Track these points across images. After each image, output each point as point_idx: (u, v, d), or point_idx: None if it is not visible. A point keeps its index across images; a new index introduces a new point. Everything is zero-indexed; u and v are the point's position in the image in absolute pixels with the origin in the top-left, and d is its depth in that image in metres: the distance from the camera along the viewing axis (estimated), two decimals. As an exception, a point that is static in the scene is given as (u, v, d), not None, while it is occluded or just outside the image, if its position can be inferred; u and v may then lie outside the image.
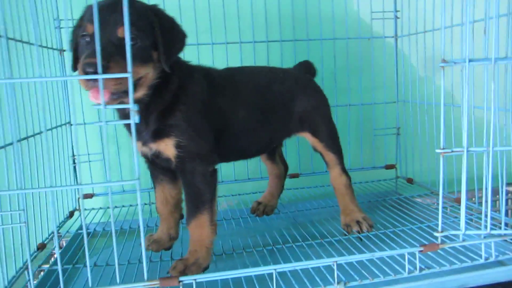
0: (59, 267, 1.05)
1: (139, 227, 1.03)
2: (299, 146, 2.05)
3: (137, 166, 1.01)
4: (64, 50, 1.83)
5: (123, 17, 1.00)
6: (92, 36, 1.07)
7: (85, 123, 1.89)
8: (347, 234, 1.54)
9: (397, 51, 2.09)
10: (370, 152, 2.16)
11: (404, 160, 2.11)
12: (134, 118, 0.99)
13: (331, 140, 1.64)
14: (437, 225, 1.16)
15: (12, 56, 1.42)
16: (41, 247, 1.45)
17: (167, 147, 1.28)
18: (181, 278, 1.07)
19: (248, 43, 1.97)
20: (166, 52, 1.20)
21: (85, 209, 1.93)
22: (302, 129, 1.62)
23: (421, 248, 1.17)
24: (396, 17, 2.05)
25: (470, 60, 1.10)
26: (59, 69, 1.82)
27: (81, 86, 1.09)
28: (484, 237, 1.20)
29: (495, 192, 1.57)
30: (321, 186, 2.14)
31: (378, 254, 1.17)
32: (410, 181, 2.08)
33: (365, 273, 1.20)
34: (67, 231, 1.77)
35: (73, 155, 1.89)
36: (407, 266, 1.20)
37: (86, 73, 1.01)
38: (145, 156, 1.36)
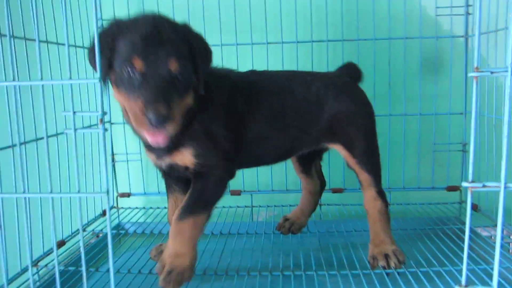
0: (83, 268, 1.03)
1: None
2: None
3: (106, 179, 0.95)
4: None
5: (172, 48, 1.06)
6: (143, 74, 1.05)
7: (124, 123, 1.91)
8: (371, 268, 1.34)
9: (467, 53, 1.77)
10: (429, 170, 1.87)
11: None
12: (102, 127, 0.93)
13: (367, 156, 1.42)
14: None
15: (44, 57, 1.48)
16: (60, 244, 1.49)
17: (184, 158, 1.23)
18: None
19: (290, 43, 1.83)
20: (203, 76, 1.17)
21: (122, 208, 1.96)
22: (332, 140, 1.43)
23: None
24: (468, 13, 1.73)
25: (513, 70, 0.85)
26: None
27: (135, 125, 1.06)
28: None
29: None
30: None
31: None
32: (475, 207, 1.76)
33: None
34: (101, 230, 1.80)
35: (112, 154, 1.93)
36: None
37: (149, 120, 1.00)
38: (159, 167, 1.32)
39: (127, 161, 1.92)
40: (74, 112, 0.94)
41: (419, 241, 1.58)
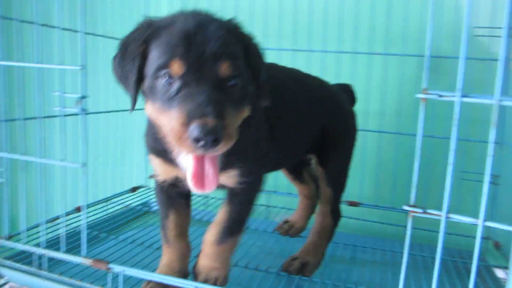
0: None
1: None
2: (364, 171, 1.81)
3: (82, 151, 1.09)
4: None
5: (222, 47, 0.84)
6: (184, 77, 0.84)
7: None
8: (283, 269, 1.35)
9: (506, 77, 1.61)
10: (455, 199, 1.73)
11: (499, 217, 1.63)
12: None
13: (338, 175, 1.45)
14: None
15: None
16: (78, 209, 1.68)
17: (229, 179, 1.07)
18: (110, 265, 1.11)
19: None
20: (265, 82, 0.99)
21: (150, 188, 2.13)
22: (313, 151, 1.44)
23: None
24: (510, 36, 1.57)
25: (464, 95, 0.80)
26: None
27: (175, 146, 0.85)
28: None
29: None
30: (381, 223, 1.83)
31: None
32: (497, 245, 1.60)
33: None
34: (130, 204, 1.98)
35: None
36: None
37: (196, 139, 0.78)
38: (169, 179, 1.11)
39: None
40: (64, 93, 1.10)
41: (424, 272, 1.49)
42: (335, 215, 1.45)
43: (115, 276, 1.15)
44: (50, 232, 1.45)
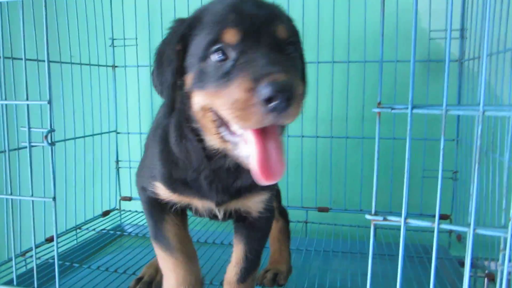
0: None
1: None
2: (332, 177, 1.86)
3: (53, 187, 1.08)
4: (116, 66, 2.05)
5: (277, 11, 0.80)
6: (240, 46, 0.76)
7: (129, 133, 2.07)
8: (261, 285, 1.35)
9: (461, 78, 1.71)
10: (418, 197, 1.82)
11: (461, 211, 1.72)
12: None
13: None
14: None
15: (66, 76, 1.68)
16: (49, 239, 1.65)
17: (256, 204, 1.02)
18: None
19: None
20: (306, 73, 0.95)
21: (123, 210, 2.11)
22: None
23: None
24: (462, 37, 1.68)
25: (414, 107, 0.86)
26: (112, 84, 2.05)
27: (236, 123, 0.75)
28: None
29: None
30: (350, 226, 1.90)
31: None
32: (459, 238, 1.69)
33: None
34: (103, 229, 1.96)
35: (117, 161, 2.10)
36: None
37: (268, 99, 0.68)
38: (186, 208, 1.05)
39: (130, 168, 2.08)
40: (29, 128, 1.09)
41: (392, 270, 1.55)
42: (283, 214, 1.46)
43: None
44: (22, 267, 1.43)
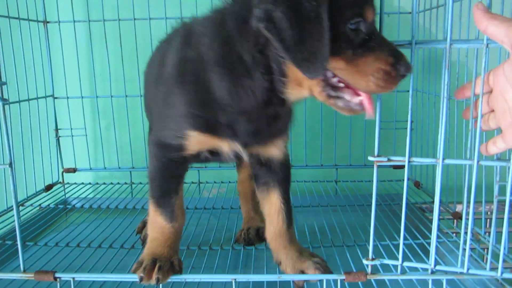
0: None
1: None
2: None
3: (9, 151, 0.93)
4: (48, 22, 1.81)
5: None
6: (371, 24, 0.87)
7: (68, 97, 1.87)
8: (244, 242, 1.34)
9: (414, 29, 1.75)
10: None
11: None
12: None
13: None
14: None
15: None
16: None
17: (277, 149, 1.10)
18: (58, 275, 0.98)
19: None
20: None
21: (68, 183, 1.93)
22: None
23: (343, 277, 0.95)
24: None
25: (417, 43, 0.84)
26: (44, 41, 1.81)
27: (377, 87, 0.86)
28: (432, 272, 0.94)
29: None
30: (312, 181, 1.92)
31: (286, 277, 0.97)
32: (417, 184, 1.78)
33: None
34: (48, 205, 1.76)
35: (56, 129, 1.89)
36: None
37: (402, 75, 0.86)
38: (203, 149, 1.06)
39: (72, 136, 1.88)
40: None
41: (356, 216, 1.58)
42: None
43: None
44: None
